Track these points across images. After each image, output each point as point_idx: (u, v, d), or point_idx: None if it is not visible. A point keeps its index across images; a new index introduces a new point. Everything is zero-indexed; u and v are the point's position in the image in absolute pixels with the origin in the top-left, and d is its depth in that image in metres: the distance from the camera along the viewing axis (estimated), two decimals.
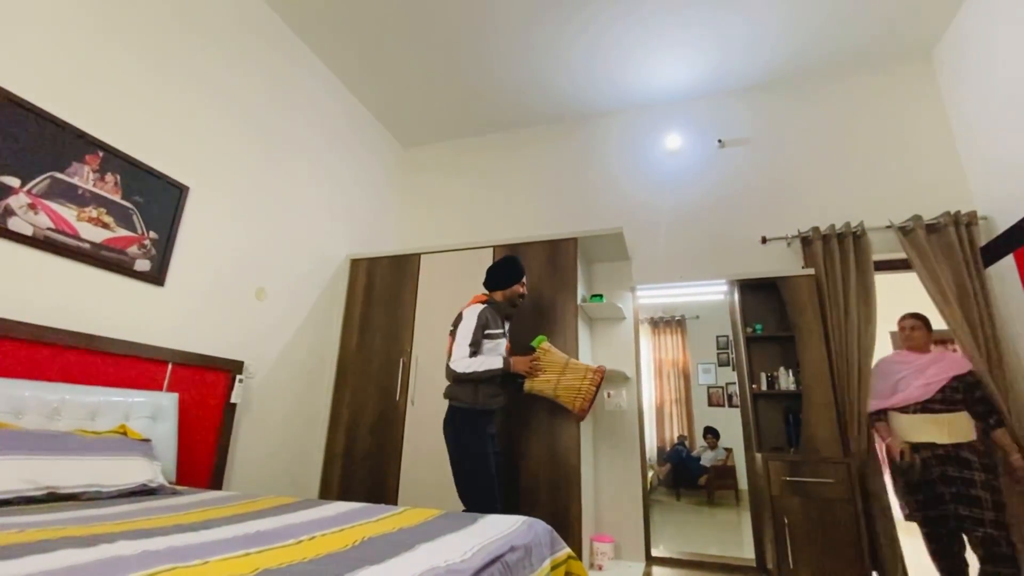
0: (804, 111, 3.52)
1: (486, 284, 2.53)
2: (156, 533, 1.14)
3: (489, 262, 3.19)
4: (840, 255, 3.00)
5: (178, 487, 1.97)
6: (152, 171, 2.34)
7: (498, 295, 2.49)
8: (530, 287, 3.03)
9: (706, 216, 3.52)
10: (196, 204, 2.55)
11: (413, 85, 3.79)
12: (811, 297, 2.93)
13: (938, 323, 2.74)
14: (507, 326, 2.54)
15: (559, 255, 3.05)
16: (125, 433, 1.90)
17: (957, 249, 2.81)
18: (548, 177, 4.06)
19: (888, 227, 2.99)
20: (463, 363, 2.23)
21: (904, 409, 2.53)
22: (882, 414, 2.63)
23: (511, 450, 2.78)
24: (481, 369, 2.23)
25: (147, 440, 1.94)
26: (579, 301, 2.95)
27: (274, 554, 1.04)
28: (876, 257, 2.98)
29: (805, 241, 3.14)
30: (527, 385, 2.46)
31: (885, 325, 2.90)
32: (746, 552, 2.91)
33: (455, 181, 4.38)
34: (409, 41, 3.36)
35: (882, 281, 2.94)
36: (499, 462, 2.35)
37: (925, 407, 2.47)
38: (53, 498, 1.49)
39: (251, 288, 2.87)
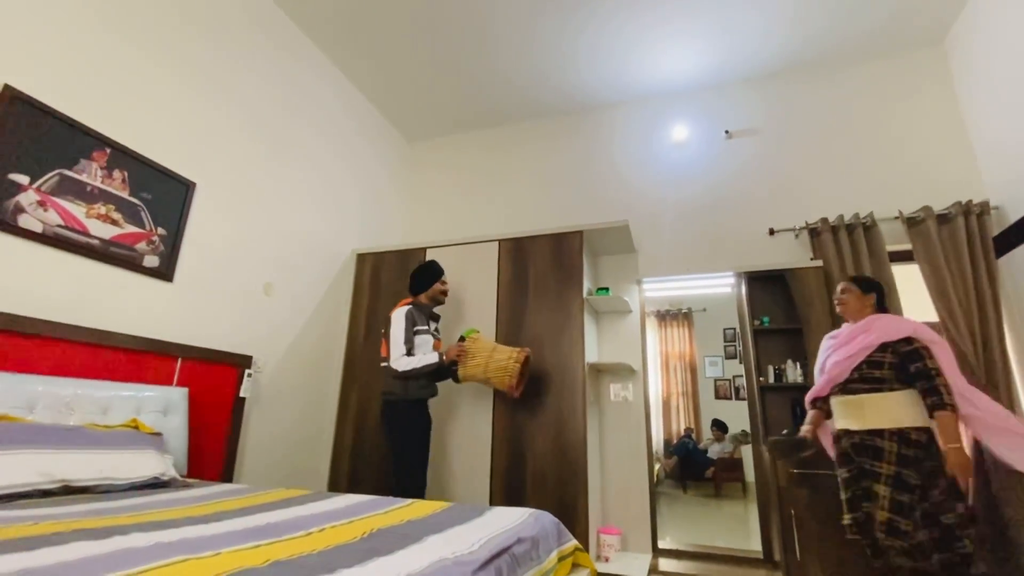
0: (813, 100, 3.48)
1: (410, 289, 2.75)
2: (168, 525, 1.16)
3: (494, 256, 3.19)
4: (851, 246, 2.97)
5: (189, 480, 2.00)
6: (159, 168, 2.35)
7: (422, 297, 2.71)
8: (536, 280, 3.04)
9: (713, 208, 3.49)
10: (203, 200, 2.57)
11: (417, 79, 3.78)
12: (819, 289, 2.91)
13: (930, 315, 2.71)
14: (435, 325, 2.72)
15: (565, 248, 3.04)
16: (136, 427, 1.93)
17: (965, 240, 2.78)
18: (554, 170, 4.04)
19: (897, 218, 2.96)
20: (403, 362, 2.44)
21: (833, 392, 2.17)
22: (819, 402, 2.29)
23: (518, 443, 2.79)
24: (420, 365, 2.44)
25: (158, 434, 1.96)
26: (585, 294, 2.94)
27: (285, 546, 1.05)
28: (888, 248, 2.94)
29: (813, 232, 3.11)
30: (460, 373, 2.60)
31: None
32: (753, 544, 2.91)
33: (460, 175, 4.37)
34: (413, 35, 3.35)
35: (895, 272, 2.91)
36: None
37: (845, 387, 2.09)
38: (67, 491, 1.52)
39: (259, 283, 2.89)
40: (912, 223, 2.93)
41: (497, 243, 3.22)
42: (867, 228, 2.98)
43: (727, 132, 3.60)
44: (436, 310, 2.78)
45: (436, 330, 2.73)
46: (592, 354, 3.07)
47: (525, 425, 2.81)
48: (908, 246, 2.94)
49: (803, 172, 3.36)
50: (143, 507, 1.39)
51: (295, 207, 3.20)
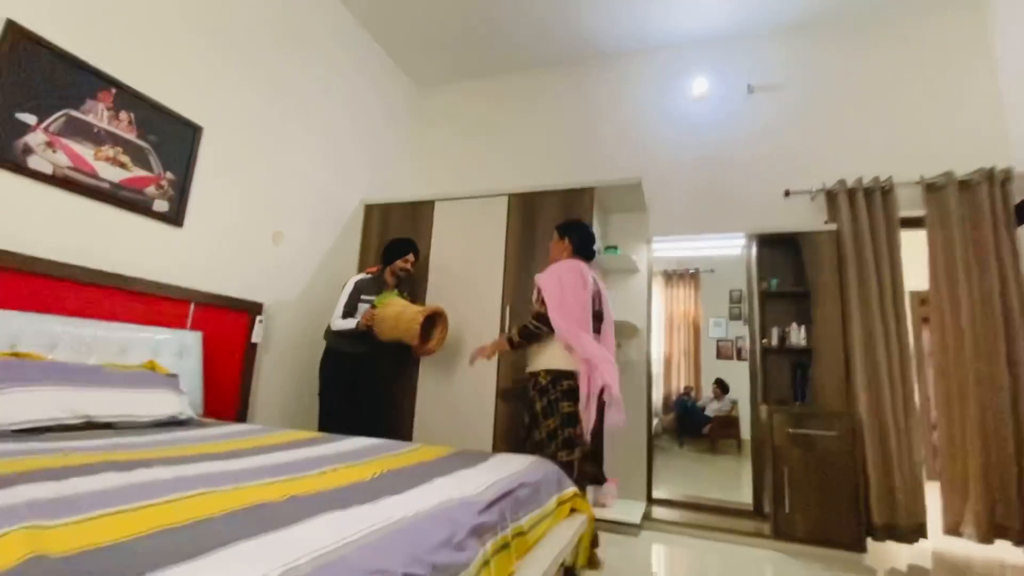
0: (842, 55, 3.31)
1: (381, 259, 3.04)
2: (189, 460, 1.21)
3: (503, 211, 3.17)
4: (868, 211, 2.91)
5: (205, 419, 2.08)
6: (166, 110, 2.31)
7: (386, 271, 2.96)
8: (545, 236, 3.01)
9: (729, 167, 3.40)
10: (211, 145, 2.53)
11: (427, 21, 3.62)
12: (831, 254, 2.87)
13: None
14: (396, 293, 2.97)
15: (575, 205, 3.00)
16: (154, 368, 1.99)
17: (987, 207, 2.71)
18: (567, 122, 3.92)
19: (917, 183, 2.88)
20: (337, 322, 2.75)
21: None
22: None
23: (521, 395, 2.85)
24: (345, 328, 2.73)
25: (174, 375, 2.02)
26: None
27: (301, 483, 1.10)
28: (905, 214, 2.88)
29: (830, 195, 3.04)
30: (378, 334, 2.73)
31: (911, 283, 2.86)
32: (744, 497, 3.03)
33: (471, 124, 4.25)
34: None
35: (911, 239, 2.87)
36: (373, 400, 2.91)
37: None
38: (90, 426, 1.59)
39: (268, 231, 2.89)
40: (932, 188, 2.85)
41: (507, 197, 3.18)
42: (885, 192, 2.91)
43: (750, 87, 3.45)
44: (405, 281, 3.08)
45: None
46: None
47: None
48: (922, 212, 2.87)
49: (825, 131, 3.24)
50: (164, 443, 1.46)
51: (303, 154, 3.16)
